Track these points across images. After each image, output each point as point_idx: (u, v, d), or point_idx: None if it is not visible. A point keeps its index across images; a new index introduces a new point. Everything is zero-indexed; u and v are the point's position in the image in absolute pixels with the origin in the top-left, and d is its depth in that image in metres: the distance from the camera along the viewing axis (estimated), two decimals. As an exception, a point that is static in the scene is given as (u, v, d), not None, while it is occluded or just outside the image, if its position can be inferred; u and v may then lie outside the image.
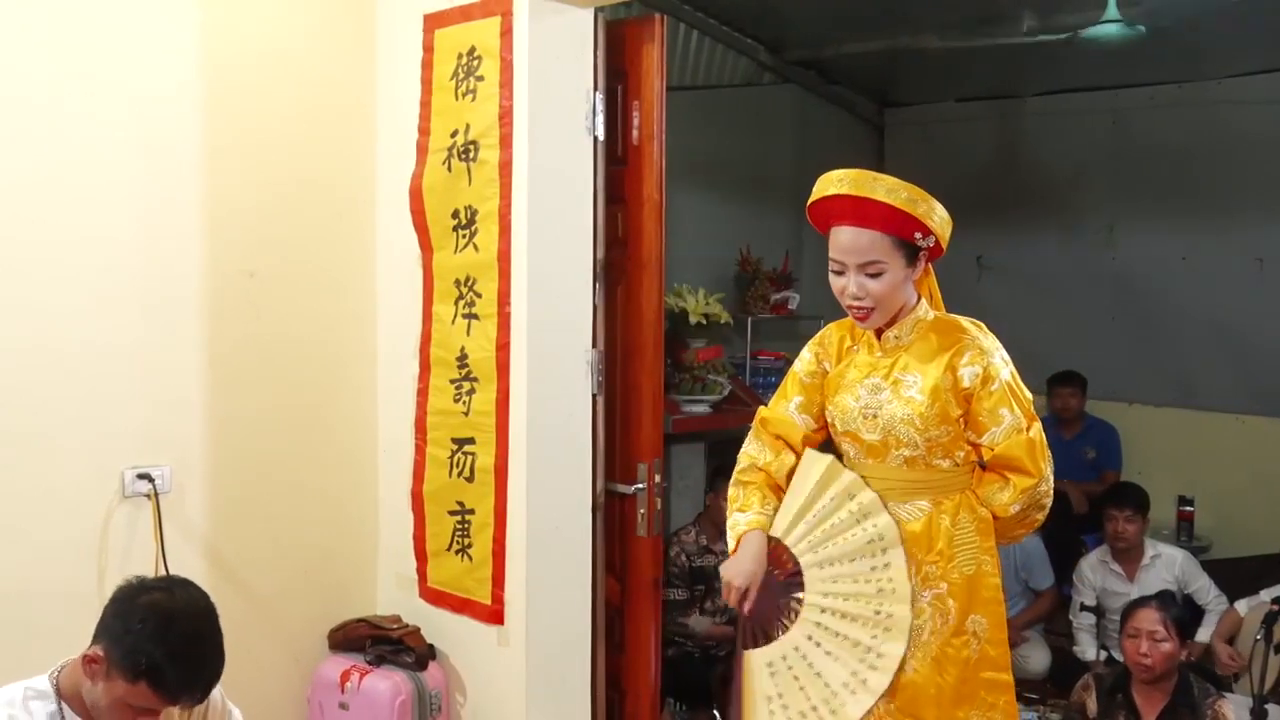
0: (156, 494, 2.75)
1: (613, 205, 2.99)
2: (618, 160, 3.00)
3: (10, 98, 2.52)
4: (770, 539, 2.17)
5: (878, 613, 2.08)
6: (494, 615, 2.90)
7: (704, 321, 4.76)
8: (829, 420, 2.21)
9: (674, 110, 3.03)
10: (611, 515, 3.05)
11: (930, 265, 2.19)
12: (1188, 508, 5.20)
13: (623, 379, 3.06)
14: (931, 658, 2.08)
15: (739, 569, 2.13)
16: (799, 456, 2.24)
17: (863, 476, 2.15)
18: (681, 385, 4.54)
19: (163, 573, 2.71)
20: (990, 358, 2.08)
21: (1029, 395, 2.12)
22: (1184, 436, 5.44)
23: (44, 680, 1.84)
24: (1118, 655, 3.70)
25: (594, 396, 2.95)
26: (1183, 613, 3.33)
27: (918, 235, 2.05)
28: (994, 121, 6.04)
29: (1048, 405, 5.47)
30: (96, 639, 1.78)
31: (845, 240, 2.06)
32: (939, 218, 2.07)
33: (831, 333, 2.27)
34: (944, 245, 2.11)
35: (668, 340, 3.25)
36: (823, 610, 2.12)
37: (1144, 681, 3.17)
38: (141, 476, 2.74)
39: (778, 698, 2.13)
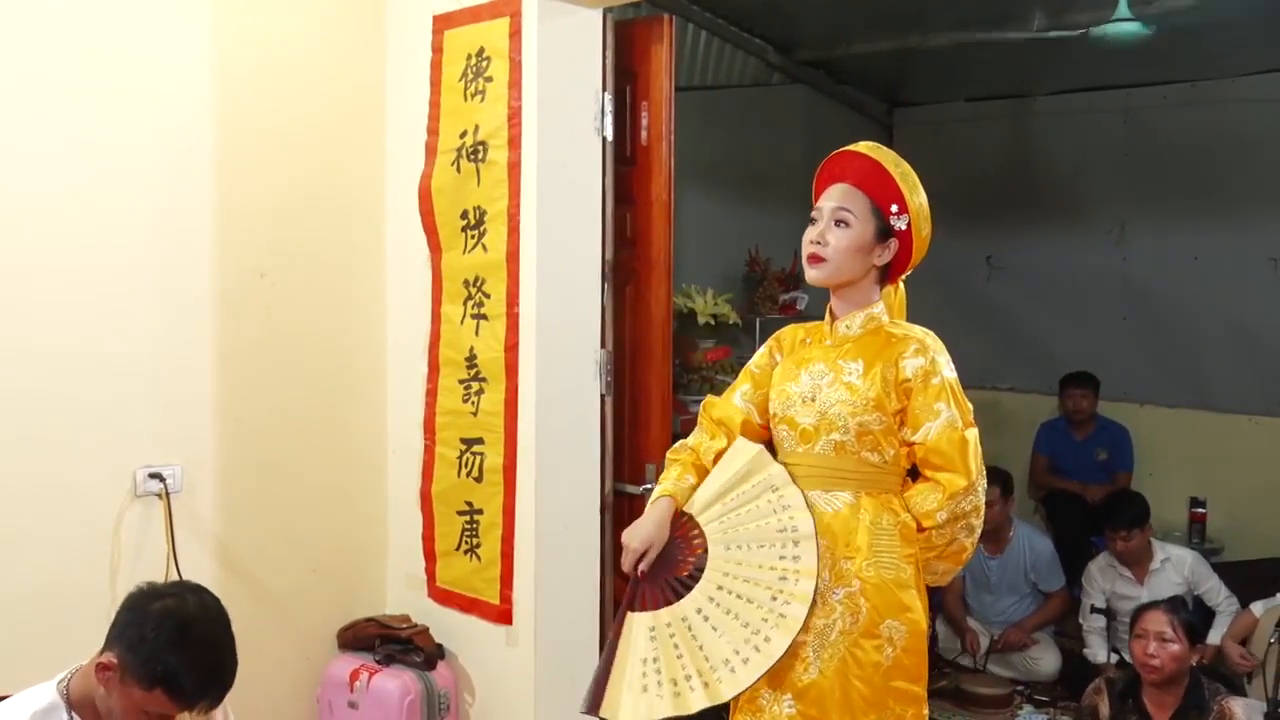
0: (168, 493, 2.76)
1: (621, 206, 2.99)
2: (626, 160, 3.00)
3: (26, 106, 2.54)
4: (683, 513, 2.14)
5: (774, 599, 2.00)
6: (502, 615, 2.91)
7: (712, 322, 4.77)
8: (771, 409, 2.18)
9: (683, 110, 3.03)
10: (620, 515, 3.05)
11: (902, 287, 2.20)
12: (1200, 509, 5.17)
13: (631, 379, 3.06)
14: (839, 659, 2.00)
15: (637, 532, 2.11)
16: (735, 435, 2.21)
17: (789, 463, 2.12)
18: (690, 386, 4.54)
19: (174, 572, 2.72)
20: (935, 355, 2.06)
21: (970, 405, 2.07)
22: (1196, 438, 5.41)
23: (50, 691, 1.82)
24: (1129, 658, 3.68)
25: (602, 397, 2.95)
26: (1193, 617, 3.31)
27: (894, 210, 2.08)
28: (1004, 121, 6.02)
29: (1059, 406, 5.46)
30: (109, 646, 1.77)
31: (833, 191, 2.12)
32: (919, 202, 2.09)
33: (789, 330, 2.28)
34: (915, 242, 2.10)
35: (676, 341, 3.25)
36: (719, 588, 2.05)
37: (1153, 684, 3.16)
38: (153, 476, 2.75)
39: (652, 661, 2.04)
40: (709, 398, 2.31)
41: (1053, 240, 5.83)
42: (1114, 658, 4.19)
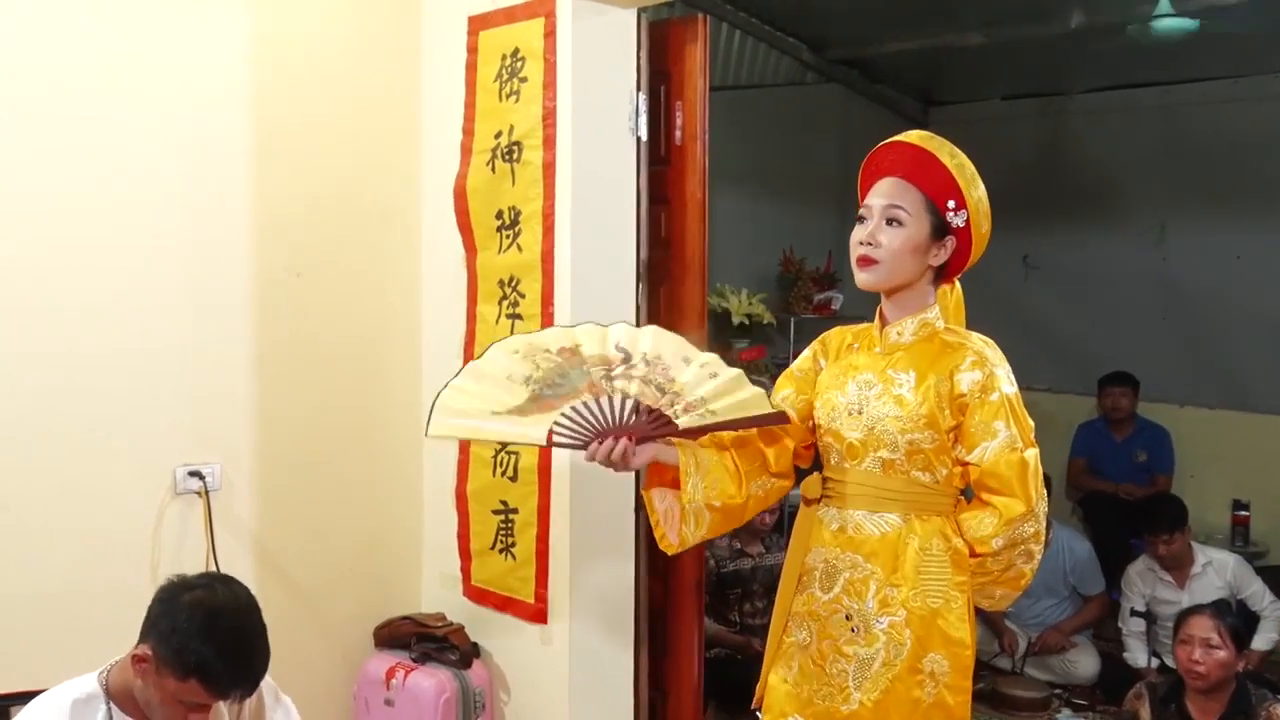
0: (207, 491, 2.79)
1: (656, 206, 2.99)
2: (661, 160, 2.99)
3: (64, 107, 2.58)
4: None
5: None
6: (537, 614, 2.91)
7: (746, 322, 4.77)
8: (816, 419, 2.06)
9: (717, 110, 3.02)
10: (654, 515, 3.04)
11: (959, 286, 2.07)
12: (1243, 512, 5.11)
13: (665, 379, 3.05)
14: (880, 690, 1.90)
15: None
16: (772, 434, 2.08)
17: (834, 479, 2.02)
18: (724, 386, 4.53)
19: (213, 569, 2.75)
20: (994, 368, 1.91)
21: (1031, 423, 1.95)
22: (1238, 439, 5.34)
23: (91, 681, 1.85)
24: (1170, 662, 3.63)
25: (637, 397, 2.95)
26: (1238, 622, 3.25)
27: (950, 205, 1.93)
28: (1041, 119, 5.96)
29: (1098, 405, 5.40)
30: (143, 638, 1.81)
31: (883, 186, 1.97)
32: (977, 196, 1.95)
33: (836, 333, 2.15)
34: (974, 239, 1.97)
35: (710, 341, 3.24)
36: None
37: (1198, 690, 3.10)
38: (193, 474, 2.78)
39: None
40: None
41: (1090, 240, 5.78)
42: (1154, 662, 4.13)
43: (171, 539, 2.77)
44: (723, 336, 4.66)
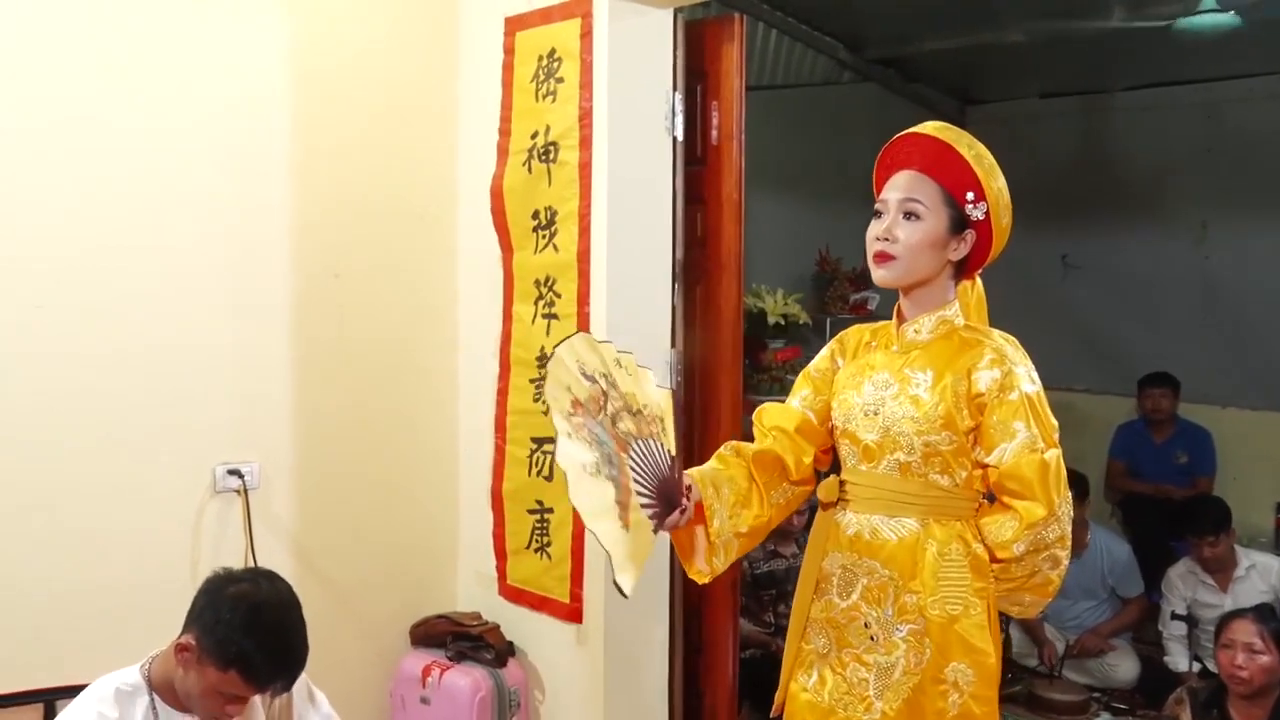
0: (246, 489, 2.83)
1: (692, 206, 2.99)
2: (697, 160, 2.99)
3: (105, 110, 2.62)
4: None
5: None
6: (572, 614, 2.92)
7: (782, 322, 4.75)
8: (833, 420, 2.01)
9: (753, 110, 3.01)
10: (689, 516, 3.04)
11: (980, 282, 2.00)
12: (1287, 515, 5.02)
13: (701, 380, 3.05)
14: (903, 700, 1.85)
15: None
16: (792, 440, 2.02)
17: (851, 481, 1.96)
18: (760, 386, 4.52)
19: (251, 566, 2.78)
20: (1014, 366, 1.84)
21: (1054, 422, 1.86)
22: (1282, 441, 5.25)
23: (134, 673, 1.89)
24: (1212, 667, 3.58)
25: (672, 397, 2.94)
26: (1283, 626, 3.20)
27: (969, 197, 1.87)
28: (1081, 117, 5.90)
29: (1138, 407, 5.33)
30: (187, 628, 1.84)
31: (899, 179, 1.91)
32: (997, 187, 1.88)
33: (854, 331, 2.09)
34: (995, 232, 1.90)
35: (746, 341, 3.23)
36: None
37: (1240, 696, 3.06)
38: (232, 473, 2.82)
39: None
40: (762, 406, 2.15)
41: (1131, 239, 5.70)
42: (1196, 666, 4.08)
43: (211, 537, 2.80)
44: (759, 337, 4.65)
